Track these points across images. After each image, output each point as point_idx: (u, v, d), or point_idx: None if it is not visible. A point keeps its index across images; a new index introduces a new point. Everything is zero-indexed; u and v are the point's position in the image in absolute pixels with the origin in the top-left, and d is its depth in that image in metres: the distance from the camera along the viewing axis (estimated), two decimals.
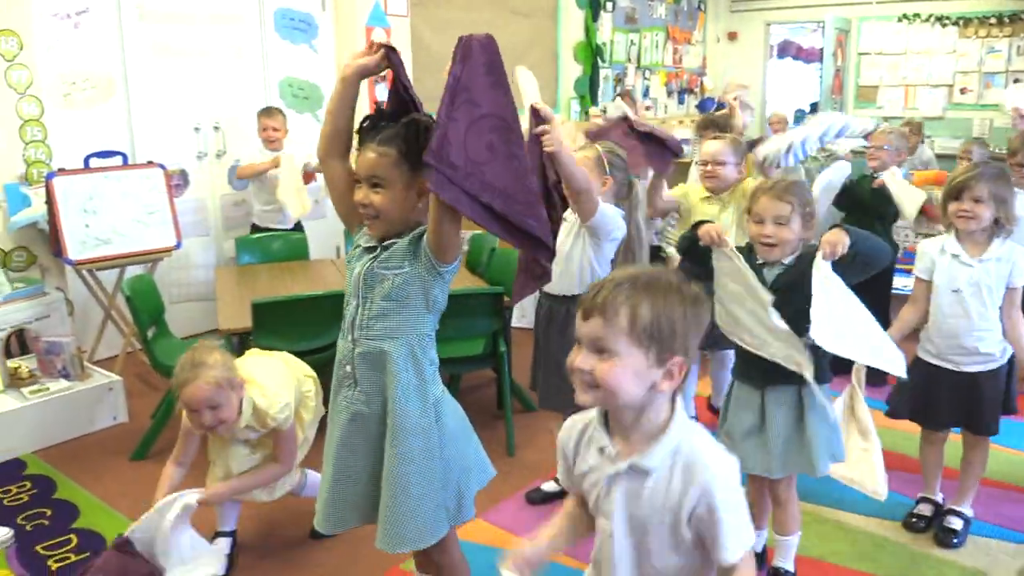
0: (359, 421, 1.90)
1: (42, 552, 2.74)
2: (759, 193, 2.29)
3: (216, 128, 4.99)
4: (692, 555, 1.32)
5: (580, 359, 1.27)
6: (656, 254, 4.32)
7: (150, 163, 4.32)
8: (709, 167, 3.27)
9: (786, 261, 2.26)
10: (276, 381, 2.51)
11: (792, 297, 2.17)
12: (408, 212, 1.80)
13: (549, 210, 2.21)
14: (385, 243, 1.84)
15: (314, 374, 2.73)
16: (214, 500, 2.48)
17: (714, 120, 5.02)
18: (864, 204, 3.90)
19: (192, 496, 2.39)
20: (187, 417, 2.40)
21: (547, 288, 2.78)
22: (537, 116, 2.41)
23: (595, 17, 7.67)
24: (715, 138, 3.38)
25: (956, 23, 8.68)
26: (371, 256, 1.85)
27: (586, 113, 7.38)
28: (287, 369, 2.65)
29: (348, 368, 1.89)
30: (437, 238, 1.75)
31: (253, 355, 2.72)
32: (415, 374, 1.85)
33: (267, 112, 4.63)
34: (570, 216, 2.72)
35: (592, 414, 1.39)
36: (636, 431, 1.31)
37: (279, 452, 2.53)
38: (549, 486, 3.00)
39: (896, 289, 4.13)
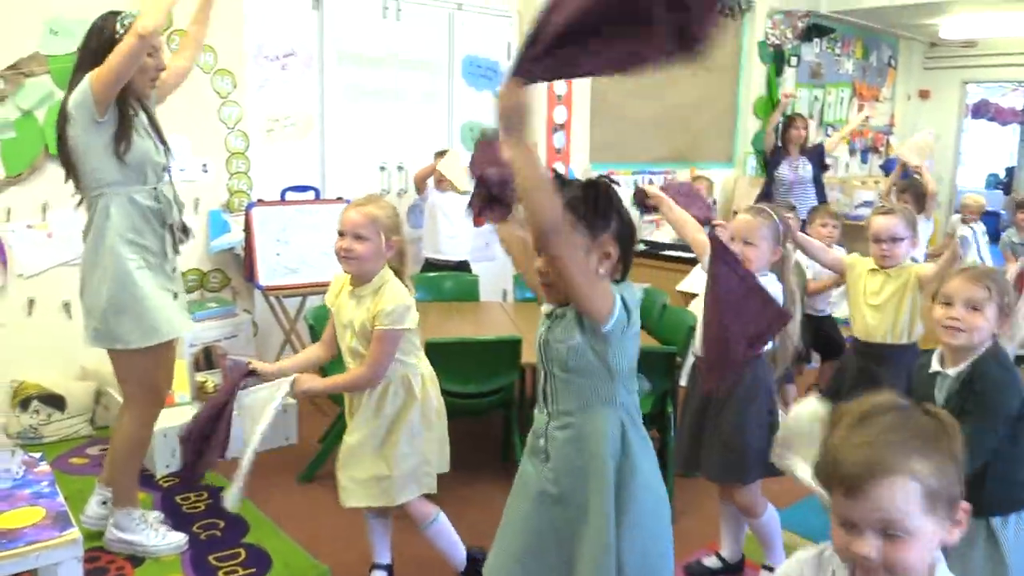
0: (547, 502, 1.82)
1: (213, 562, 2.88)
2: (953, 275, 2.13)
3: (400, 168, 5.21)
4: None
5: (863, 545, 1.09)
6: (820, 325, 4.12)
7: (339, 199, 4.56)
8: (884, 246, 3.03)
9: (960, 367, 2.05)
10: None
11: (969, 410, 1.98)
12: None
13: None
14: (558, 312, 1.77)
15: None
16: (305, 389, 2.42)
17: (912, 184, 4.77)
18: None
19: (287, 382, 2.39)
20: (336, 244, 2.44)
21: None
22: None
23: (779, 72, 7.48)
24: (885, 212, 3.10)
25: None
26: (546, 324, 1.80)
27: (763, 167, 7.16)
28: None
29: (541, 441, 1.83)
30: (575, 298, 1.66)
31: None
32: (612, 455, 1.74)
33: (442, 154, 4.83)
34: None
35: (826, 547, 1.24)
36: None
37: (371, 354, 2.41)
38: (711, 561, 2.86)
39: None
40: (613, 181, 1.82)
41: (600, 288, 1.65)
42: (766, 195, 6.43)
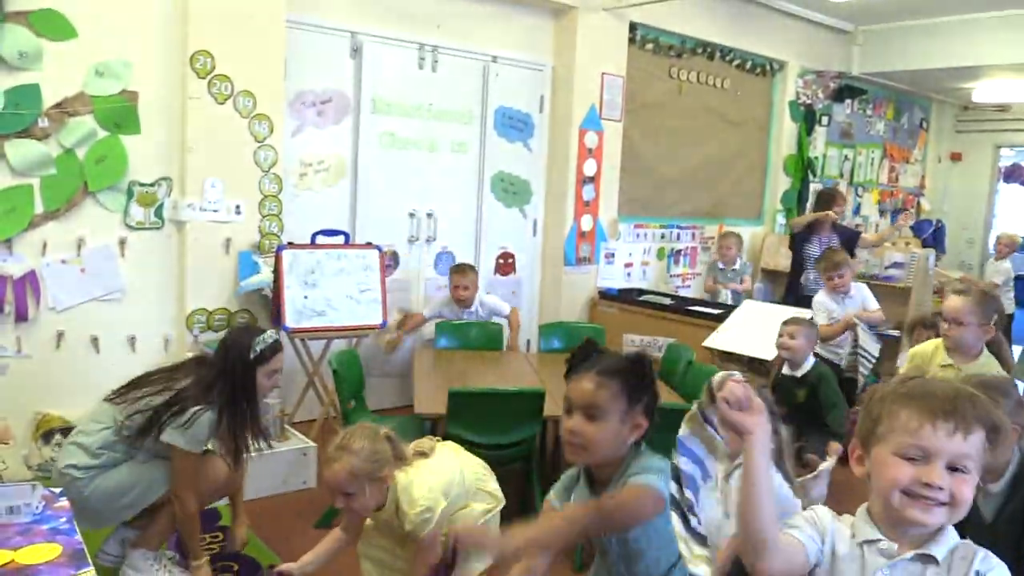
0: None
1: None
2: None
3: (429, 215, 5.25)
4: None
5: (937, 476, 1.24)
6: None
7: (368, 244, 4.59)
8: (947, 326, 2.93)
9: (1000, 485, 2.00)
10: (431, 485, 2.38)
11: (1017, 529, 1.93)
12: (618, 447, 1.76)
13: None
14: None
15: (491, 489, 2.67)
16: None
17: (923, 319, 4.52)
18: None
19: None
20: None
21: None
22: None
23: (809, 131, 7.50)
24: (960, 292, 2.99)
25: None
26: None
27: (790, 227, 7.16)
28: (457, 474, 2.53)
29: None
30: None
31: (444, 447, 2.65)
32: None
33: (459, 270, 4.79)
34: None
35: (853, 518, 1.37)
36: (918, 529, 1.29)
37: (415, 561, 2.37)
38: None
39: None
40: None
41: None
42: (794, 271, 5.96)
